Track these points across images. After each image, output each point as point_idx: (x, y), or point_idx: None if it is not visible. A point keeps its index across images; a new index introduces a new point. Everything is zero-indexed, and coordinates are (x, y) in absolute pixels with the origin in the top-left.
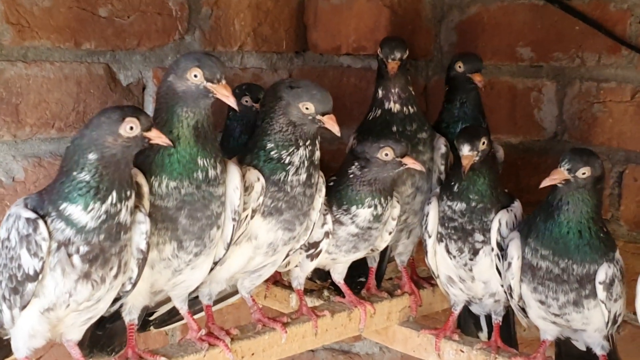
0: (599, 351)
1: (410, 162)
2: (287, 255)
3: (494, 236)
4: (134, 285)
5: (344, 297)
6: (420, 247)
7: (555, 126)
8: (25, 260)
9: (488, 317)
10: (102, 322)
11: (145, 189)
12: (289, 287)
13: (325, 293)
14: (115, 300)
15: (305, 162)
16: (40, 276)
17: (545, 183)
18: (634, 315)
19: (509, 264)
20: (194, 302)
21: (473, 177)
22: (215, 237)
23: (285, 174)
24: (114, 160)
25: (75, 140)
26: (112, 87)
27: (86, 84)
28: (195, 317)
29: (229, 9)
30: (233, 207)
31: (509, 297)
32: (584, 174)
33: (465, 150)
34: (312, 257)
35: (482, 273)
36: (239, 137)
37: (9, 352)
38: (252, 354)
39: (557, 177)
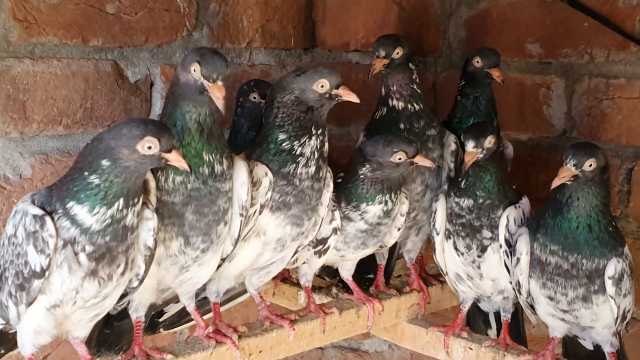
0: (607, 348)
1: (420, 161)
2: (296, 252)
3: (502, 233)
4: (141, 281)
5: (352, 294)
6: (430, 245)
7: (564, 123)
8: (32, 256)
9: (497, 314)
10: (109, 321)
11: (152, 184)
12: (297, 284)
13: (334, 290)
14: (122, 296)
15: (316, 154)
16: (46, 273)
17: (556, 183)
18: None
19: (518, 260)
20: (203, 302)
21: (479, 173)
22: (223, 233)
23: (295, 165)
24: (126, 171)
25: (94, 142)
26: (120, 84)
27: (94, 81)
28: (205, 317)
29: (237, 6)
30: (241, 203)
31: (517, 294)
32: (590, 166)
33: (470, 146)
34: (320, 253)
35: (490, 270)
36: (246, 133)
37: (14, 346)
38: (260, 352)
39: (565, 174)
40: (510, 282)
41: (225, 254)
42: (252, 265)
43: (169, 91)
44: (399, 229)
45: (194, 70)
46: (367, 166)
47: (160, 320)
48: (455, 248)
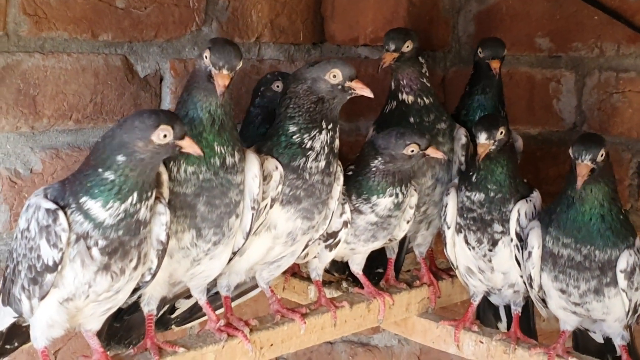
0: (618, 341)
1: (433, 152)
2: (306, 246)
3: (513, 227)
4: (154, 275)
5: (362, 288)
6: (440, 239)
7: (574, 117)
8: (44, 250)
9: (507, 308)
10: (119, 314)
11: (165, 176)
12: (308, 279)
13: (344, 285)
14: (135, 290)
15: (326, 149)
16: (59, 267)
17: (581, 183)
18: None
19: (529, 254)
20: (214, 297)
21: (491, 166)
22: (234, 226)
23: (305, 159)
24: (141, 164)
25: (106, 139)
26: (130, 79)
27: (103, 76)
28: (216, 312)
29: (246, 0)
30: (252, 196)
31: (528, 288)
32: (602, 156)
33: (482, 138)
34: (330, 247)
35: (501, 264)
36: (259, 125)
37: (27, 339)
38: (271, 345)
39: (585, 172)
40: (521, 276)
41: (237, 248)
42: (263, 259)
43: (187, 80)
44: (408, 222)
45: (205, 57)
46: (380, 159)
47: (173, 316)
48: (466, 242)
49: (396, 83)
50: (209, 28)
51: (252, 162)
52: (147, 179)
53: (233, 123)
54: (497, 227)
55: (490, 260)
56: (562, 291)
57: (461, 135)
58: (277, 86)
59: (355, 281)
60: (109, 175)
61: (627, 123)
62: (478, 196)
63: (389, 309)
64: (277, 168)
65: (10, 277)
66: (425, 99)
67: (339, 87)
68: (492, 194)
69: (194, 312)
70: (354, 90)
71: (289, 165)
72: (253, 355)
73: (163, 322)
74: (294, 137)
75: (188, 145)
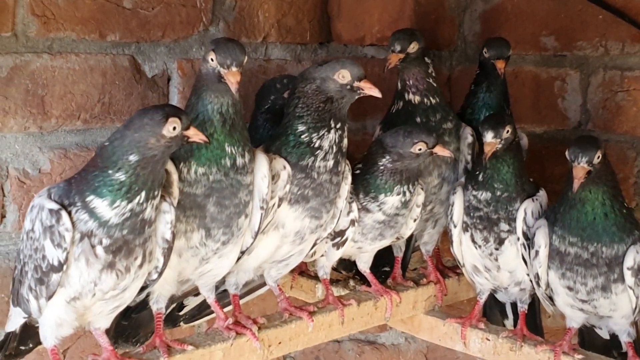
0: (624, 338)
1: (440, 151)
2: (314, 245)
3: (519, 225)
4: (160, 274)
5: (369, 286)
6: (446, 237)
7: (579, 115)
8: (49, 251)
9: (514, 305)
10: (127, 313)
11: (175, 176)
12: (315, 277)
13: (351, 283)
14: (142, 288)
15: (334, 148)
16: (64, 266)
17: (577, 186)
18: None
19: (537, 252)
20: (223, 295)
21: (497, 165)
22: (243, 225)
23: (314, 159)
24: (153, 160)
25: (115, 141)
26: (137, 79)
27: (111, 76)
28: (224, 310)
29: (253, 0)
30: (261, 196)
31: (535, 286)
32: (598, 157)
33: (489, 137)
34: (338, 245)
35: (507, 262)
36: (270, 129)
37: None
38: (279, 343)
39: (582, 174)
40: (528, 274)
41: (245, 247)
42: (271, 257)
43: (193, 85)
44: (415, 220)
45: (211, 59)
46: (387, 157)
47: (181, 314)
48: (473, 241)
49: (402, 83)
50: (216, 28)
51: (261, 162)
52: (156, 176)
53: (243, 123)
54: (504, 226)
55: (496, 259)
56: (570, 288)
57: (467, 134)
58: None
59: (363, 279)
60: (120, 176)
61: (632, 121)
62: (484, 195)
63: (396, 307)
64: (285, 167)
65: (18, 277)
66: (431, 98)
67: (348, 87)
68: (498, 193)
69: (202, 309)
70: (362, 90)
71: (297, 164)
72: (261, 353)
73: (171, 320)
74: (302, 136)
75: (194, 134)
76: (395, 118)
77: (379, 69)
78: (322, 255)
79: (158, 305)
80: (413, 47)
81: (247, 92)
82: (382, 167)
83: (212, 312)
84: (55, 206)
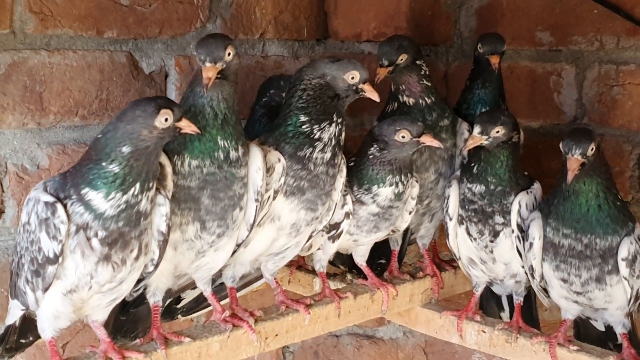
0: (619, 329)
1: (427, 140)
2: (310, 237)
3: (514, 218)
4: (156, 266)
5: (366, 279)
6: (443, 232)
7: (575, 110)
8: (45, 243)
9: (510, 297)
10: (125, 307)
11: (169, 169)
12: (313, 271)
13: (349, 277)
14: (139, 281)
15: (333, 141)
16: (60, 259)
17: (571, 178)
18: None
19: (531, 244)
20: (220, 288)
21: (490, 159)
22: (238, 218)
23: (312, 150)
24: (146, 152)
25: (107, 133)
26: (135, 75)
27: (109, 72)
28: (221, 303)
29: None
30: (256, 188)
31: (530, 278)
32: (592, 149)
33: (475, 131)
34: (333, 238)
35: (503, 255)
36: (266, 124)
37: None
38: (276, 335)
39: (576, 166)
40: (523, 267)
41: (241, 240)
42: (267, 250)
43: (191, 78)
44: (410, 213)
45: (196, 56)
46: (375, 146)
47: (178, 306)
48: (468, 233)
49: (395, 87)
50: (213, 25)
51: (256, 155)
52: (150, 167)
53: (237, 117)
54: (498, 219)
55: (491, 251)
56: (564, 280)
57: (464, 130)
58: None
59: (360, 273)
60: (114, 167)
61: (627, 115)
62: (479, 188)
63: (393, 300)
64: (279, 160)
65: (15, 270)
66: (427, 99)
67: (354, 87)
68: (492, 187)
69: (200, 302)
70: (364, 92)
71: (294, 155)
72: (258, 345)
73: (169, 312)
74: (303, 126)
75: (186, 125)
76: (391, 116)
77: (376, 65)
78: (319, 249)
79: (155, 298)
80: (402, 59)
81: (245, 89)
82: (371, 156)
83: (210, 304)
84: (50, 199)
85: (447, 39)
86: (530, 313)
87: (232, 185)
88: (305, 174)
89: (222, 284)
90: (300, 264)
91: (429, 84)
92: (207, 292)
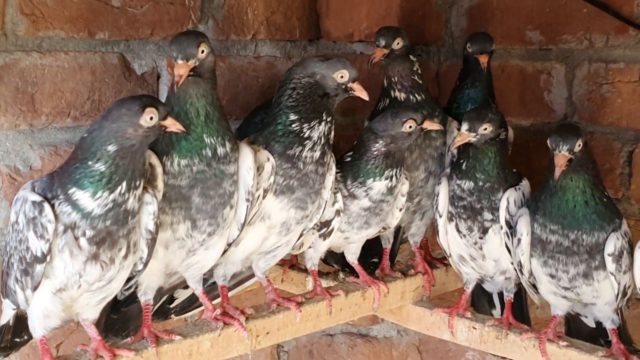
0: (609, 325)
1: (429, 125)
2: (301, 235)
3: (502, 214)
4: (146, 264)
5: (358, 277)
6: (435, 229)
7: (565, 108)
8: (32, 242)
9: (501, 295)
10: (116, 306)
11: (159, 169)
12: (305, 270)
13: (341, 275)
14: (129, 279)
15: (322, 139)
16: (48, 258)
17: (559, 173)
18: None
19: (519, 240)
20: (212, 287)
21: (478, 156)
22: (229, 217)
23: (302, 148)
24: (131, 150)
25: (93, 132)
26: (127, 76)
27: (101, 73)
28: (213, 302)
29: None
30: (247, 188)
31: (519, 274)
32: (579, 146)
33: (463, 128)
34: (324, 236)
35: (492, 251)
36: (259, 122)
37: None
38: (267, 333)
39: (563, 162)
40: (512, 263)
41: (232, 239)
42: (258, 249)
43: None
44: (400, 210)
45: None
46: (381, 142)
47: (172, 306)
48: (458, 230)
49: (388, 81)
50: (205, 26)
51: (246, 155)
52: (136, 166)
53: (220, 113)
54: (487, 215)
55: (481, 248)
56: (552, 276)
57: (453, 129)
58: None
59: (352, 272)
60: (100, 166)
61: (616, 113)
62: (467, 184)
63: (384, 297)
64: (269, 159)
65: (5, 269)
66: (417, 95)
67: (343, 86)
68: (480, 183)
69: (193, 301)
70: (354, 91)
71: (284, 153)
72: (249, 343)
73: (162, 312)
74: (292, 125)
75: (171, 124)
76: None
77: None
78: (310, 247)
79: (146, 297)
80: (397, 44)
81: (237, 90)
82: (375, 152)
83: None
84: (37, 198)
85: (438, 39)
86: (520, 310)
87: (222, 183)
88: (295, 173)
89: (215, 283)
90: (293, 263)
91: (420, 82)
92: (198, 290)
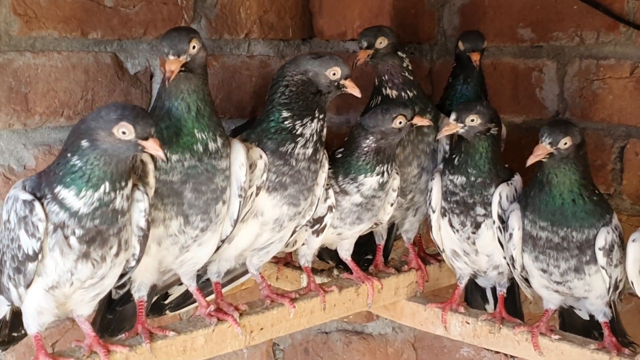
0: (601, 318)
1: (419, 121)
2: (294, 232)
3: (495, 209)
4: (138, 260)
5: (352, 274)
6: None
7: (556, 104)
8: (24, 241)
9: (494, 290)
10: (112, 306)
11: (150, 166)
12: (300, 268)
13: (335, 272)
14: (122, 276)
15: (315, 136)
16: (40, 256)
17: (531, 161)
18: None
19: (510, 235)
20: (206, 284)
21: (469, 150)
22: (221, 212)
23: (294, 145)
24: (105, 154)
25: (78, 123)
26: (120, 76)
27: (94, 73)
28: (208, 299)
29: None
30: (239, 184)
31: (511, 268)
32: (565, 144)
33: (451, 118)
34: (317, 232)
35: (485, 246)
36: None
37: None
38: (261, 329)
39: (540, 152)
40: (505, 258)
41: (225, 235)
42: (252, 246)
43: None
44: (392, 205)
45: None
46: (372, 138)
47: (166, 302)
48: (451, 225)
49: (379, 79)
50: (198, 25)
51: (239, 151)
52: (116, 170)
53: (211, 109)
54: (480, 210)
55: (474, 243)
56: (544, 271)
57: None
58: None
59: (347, 269)
60: (76, 161)
61: (608, 109)
62: (460, 179)
63: (378, 293)
64: (261, 157)
65: None
66: (409, 92)
67: (335, 83)
68: (472, 178)
69: (187, 297)
70: (346, 88)
71: (277, 150)
72: (243, 339)
73: (157, 308)
74: (285, 122)
75: (151, 147)
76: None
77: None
78: (303, 244)
79: (140, 293)
80: (381, 43)
81: (231, 89)
82: (366, 149)
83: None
84: (28, 197)
85: (431, 37)
86: (513, 305)
87: (213, 178)
88: (288, 170)
89: (208, 279)
90: (288, 261)
91: (411, 78)
92: (192, 287)
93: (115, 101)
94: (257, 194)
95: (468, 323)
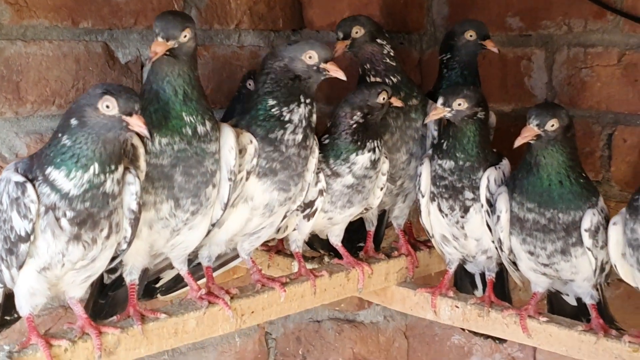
0: (588, 300)
1: (395, 102)
2: (285, 217)
3: (483, 193)
4: (129, 243)
5: (342, 260)
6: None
7: (545, 93)
8: (16, 222)
9: (483, 275)
10: (104, 291)
11: (141, 150)
12: (291, 255)
13: (326, 259)
14: (114, 258)
15: (303, 122)
16: (32, 237)
17: (518, 142)
18: None
19: (498, 218)
20: (197, 268)
21: (457, 134)
22: (212, 195)
23: (283, 132)
24: (92, 132)
25: (70, 104)
26: (111, 65)
27: (85, 62)
28: (199, 282)
29: None
30: (229, 168)
31: (499, 251)
32: (552, 126)
33: (438, 102)
34: (308, 217)
35: (473, 230)
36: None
37: None
38: (252, 312)
39: (528, 134)
40: (493, 242)
41: (215, 219)
42: (242, 230)
43: None
44: (381, 189)
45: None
46: (359, 113)
47: (157, 286)
48: (440, 210)
49: (362, 68)
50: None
51: (228, 135)
52: (104, 151)
53: (199, 93)
54: (468, 194)
55: (462, 227)
56: (531, 253)
57: None
58: (249, 84)
59: (338, 257)
60: (66, 140)
61: (596, 96)
62: (448, 164)
63: (368, 278)
64: (251, 142)
65: None
66: (392, 78)
67: (314, 67)
68: (460, 162)
69: (178, 281)
70: (328, 72)
71: (266, 137)
72: (234, 322)
73: (148, 291)
74: (272, 109)
75: (135, 124)
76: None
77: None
78: (294, 230)
79: (131, 277)
80: (357, 32)
81: (222, 79)
82: (354, 125)
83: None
84: (20, 179)
85: (420, 27)
86: (502, 289)
87: (203, 162)
88: (277, 156)
89: (200, 264)
90: (279, 249)
91: (394, 64)
92: (183, 271)
93: (107, 82)
94: (247, 179)
95: (457, 307)
